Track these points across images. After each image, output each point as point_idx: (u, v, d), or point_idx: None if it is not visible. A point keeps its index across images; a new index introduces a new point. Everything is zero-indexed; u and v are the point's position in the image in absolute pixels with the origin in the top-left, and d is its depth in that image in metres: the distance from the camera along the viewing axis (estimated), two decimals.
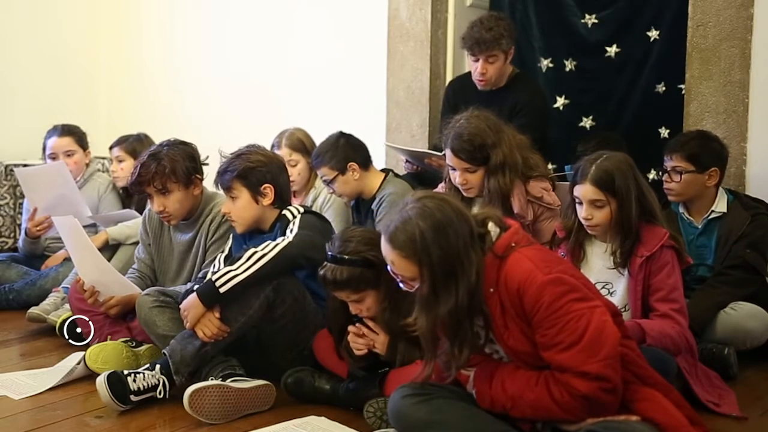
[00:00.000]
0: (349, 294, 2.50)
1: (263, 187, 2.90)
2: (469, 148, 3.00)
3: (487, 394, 2.16)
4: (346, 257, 2.45)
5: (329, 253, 2.48)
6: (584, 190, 2.62)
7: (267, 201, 2.91)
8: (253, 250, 2.67)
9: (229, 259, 2.85)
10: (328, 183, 3.57)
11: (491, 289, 2.08)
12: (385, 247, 2.09)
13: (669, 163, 3.28)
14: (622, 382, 2.04)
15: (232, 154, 2.97)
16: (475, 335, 2.12)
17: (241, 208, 2.90)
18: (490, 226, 2.14)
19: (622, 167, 2.61)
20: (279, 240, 2.72)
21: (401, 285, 2.14)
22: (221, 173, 2.93)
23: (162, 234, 3.27)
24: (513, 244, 2.11)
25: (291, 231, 2.78)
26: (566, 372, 2.01)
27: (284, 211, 2.92)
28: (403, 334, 2.50)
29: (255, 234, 2.95)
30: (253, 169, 2.89)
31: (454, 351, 2.10)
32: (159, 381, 2.62)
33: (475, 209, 3.01)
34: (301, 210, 2.92)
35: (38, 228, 3.92)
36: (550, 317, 2.02)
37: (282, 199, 2.94)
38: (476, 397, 2.18)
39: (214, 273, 2.70)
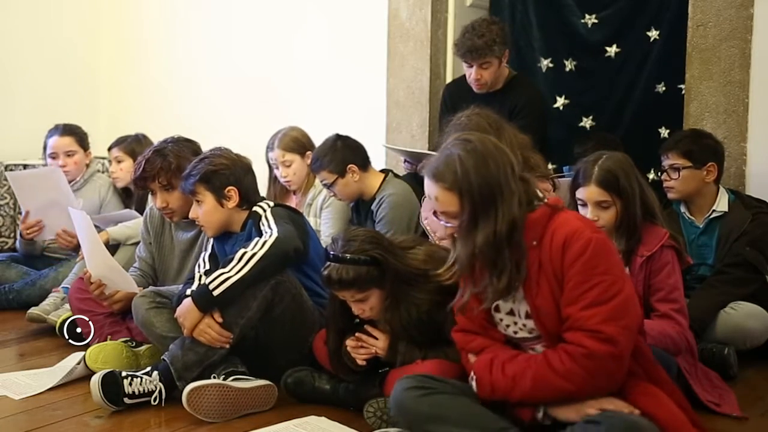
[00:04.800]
0: (354, 293, 2.48)
1: (227, 190, 2.87)
2: None
3: (487, 380, 2.15)
4: (350, 256, 2.44)
5: (332, 253, 2.47)
6: (589, 192, 2.62)
7: (232, 204, 2.89)
8: (243, 250, 2.65)
9: (214, 259, 2.86)
10: (329, 186, 3.56)
11: (534, 242, 2.09)
12: (428, 184, 2.12)
13: (666, 162, 3.29)
14: (628, 362, 2.04)
15: (197, 157, 2.96)
16: (515, 266, 2.10)
17: (206, 212, 2.89)
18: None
19: (624, 167, 2.62)
20: (266, 237, 2.70)
21: (447, 224, 2.13)
22: (185, 178, 2.91)
23: (163, 232, 3.27)
24: (560, 206, 2.15)
25: (268, 226, 2.77)
26: (579, 330, 2.02)
27: (254, 208, 2.90)
28: (404, 333, 2.50)
29: (231, 235, 2.93)
30: (216, 173, 2.87)
31: (492, 280, 2.10)
32: (156, 388, 2.62)
33: None
34: (270, 204, 2.91)
35: (29, 231, 3.88)
36: (587, 272, 2.03)
37: (248, 201, 2.91)
38: (476, 386, 2.17)
39: (206, 275, 2.69)
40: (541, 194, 2.17)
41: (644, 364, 2.13)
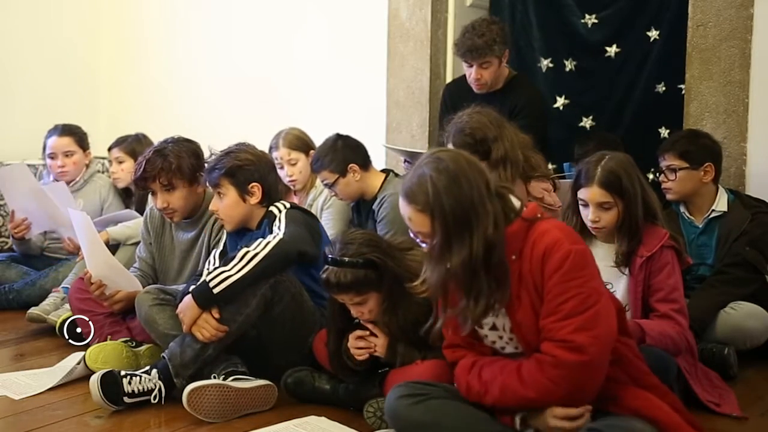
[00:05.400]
0: (352, 297, 2.48)
1: (251, 185, 2.90)
2: (471, 142, 3.00)
3: (464, 381, 2.16)
4: (348, 259, 2.44)
5: (330, 256, 2.46)
6: (592, 193, 2.61)
7: (254, 200, 2.91)
8: (245, 249, 2.66)
9: (224, 258, 2.85)
10: (330, 186, 3.56)
11: (513, 257, 2.07)
12: (402, 204, 2.09)
13: (663, 163, 3.29)
14: (602, 373, 2.03)
15: (221, 151, 2.98)
16: (492, 291, 2.08)
17: (228, 206, 2.91)
18: (512, 197, 2.13)
19: (626, 167, 2.61)
20: (270, 237, 2.71)
21: (423, 245, 2.11)
22: (209, 171, 2.93)
23: (164, 233, 3.27)
24: (539, 215, 2.12)
25: (278, 227, 2.78)
26: (551, 340, 2.01)
27: (271, 208, 2.92)
28: (402, 335, 2.50)
29: (246, 232, 2.95)
30: (241, 168, 2.89)
31: (469, 304, 2.08)
32: (155, 386, 2.62)
33: None
34: (287, 205, 2.93)
35: (17, 230, 3.88)
36: (565, 284, 2.02)
37: (270, 199, 2.94)
38: (456, 383, 2.19)
39: (208, 273, 2.69)
40: (518, 205, 2.12)
41: (631, 371, 2.12)
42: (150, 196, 3.37)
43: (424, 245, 2.11)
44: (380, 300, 2.49)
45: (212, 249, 3.09)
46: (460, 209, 2.01)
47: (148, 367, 2.68)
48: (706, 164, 3.24)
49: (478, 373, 2.14)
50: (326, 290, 2.55)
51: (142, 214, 3.63)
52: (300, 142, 3.84)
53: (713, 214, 3.27)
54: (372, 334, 2.55)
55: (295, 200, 3.87)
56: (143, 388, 2.61)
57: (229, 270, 2.63)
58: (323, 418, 2.53)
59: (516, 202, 2.13)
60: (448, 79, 4.51)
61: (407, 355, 2.51)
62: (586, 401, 2.04)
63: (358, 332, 2.57)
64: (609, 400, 2.08)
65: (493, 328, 2.18)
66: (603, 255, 2.70)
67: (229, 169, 2.88)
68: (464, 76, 3.89)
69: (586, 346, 1.98)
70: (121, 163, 4.17)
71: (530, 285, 2.07)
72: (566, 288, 2.02)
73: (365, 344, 2.55)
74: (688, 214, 3.33)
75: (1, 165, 4.77)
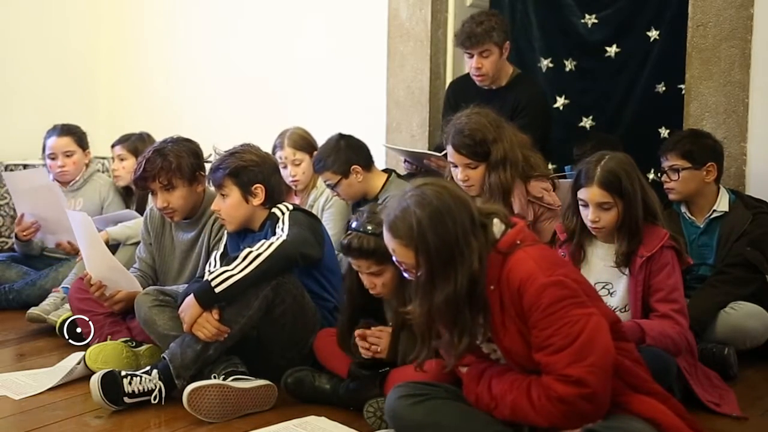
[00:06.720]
0: (370, 264, 2.49)
1: (254, 186, 2.90)
2: (470, 143, 3.01)
3: (473, 392, 2.16)
4: (372, 229, 2.44)
5: (354, 224, 2.49)
6: (591, 193, 2.61)
7: (257, 201, 2.91)
8: (248, 249, 2.66)
9: (225, 258, 2.86)
10: (333, 187, 3.55)
11: (492, 287, 2.07)
12: (386, 236, 2.10)
13: (666, 163, 3.29)
14: (608, 395, 2.02)
15: (226, 151, 2.98)
16: (475, 324, 2.09)
17: (230, 206, 2.91)
18: (495, 221, 2.12)
19: (626, 168, 2.61)
20: (273, 239, 2.72)
21: (405, 274, 2.13)
22: (214, 170, 2.94)
23: (164, 233, 3.27)
24: (518, 242, 2.10)
25: (281, 229, 2.78)
26: (550, 374, 2.01)
27: (273, 210, 2.93)
28: (407, 324, 2.49)
29: (247, 233, 2.95)
30: (245, 168, 2.90)
31: (453, 339, 2.09)
32: (155, 386, 2.62)
33: None
34: (290, 207, 2.93)
35: (25, 233, 3.89)
36: (546, 319, 2.01)
37: (273, 200, 2.94)
38: (464, 392, 2.19)
39: (210, 273, 2.70)
40: (500, 231, 2.11)
41: (629, 380, 2.11)
42: (150, 196, 3.37)
43: (407, 275, 2.12)
44: (395, 277, 2.48)
45: (212, 249, 3.10)
46: (445, 246, 2.01)
47: (148, 368, 2.68)
48: (709, 164, 3.24)
49: (487, 384, 2.14)
50: (346, 255, 2.56)
51: (142, 214, 3.62)
52: (305, 143, 3.83)
53: (714, 215, 3.27)
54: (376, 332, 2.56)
55: (296, 200, 3.87)
56: (143, 389, 2.61)
57: (231, 270, 2.63)
58: (323, 418, 2.53)
59: (498, 229, 2.11)
60: (449, 79, 4.51)
61: (409, 351, 2.50)
62: (597, 421, 2.03)
63: (361, 332, 2.57)
64: (610, 406, 2.07)
65: (489, 340, 2.18)
66: (603, 255, 2.71)
67: (233, 169, 2.89)
68: (468, 74, 3.89)
69: (585, 377, 1.97)
70: (123, 160, 4.17)
71: (513, 313, 2.07)
72: (549, 322, 2.01)
73: (371, 339, 2.56)
74: (689, 215, 3.33)
75: (1, 165, 4.79)
